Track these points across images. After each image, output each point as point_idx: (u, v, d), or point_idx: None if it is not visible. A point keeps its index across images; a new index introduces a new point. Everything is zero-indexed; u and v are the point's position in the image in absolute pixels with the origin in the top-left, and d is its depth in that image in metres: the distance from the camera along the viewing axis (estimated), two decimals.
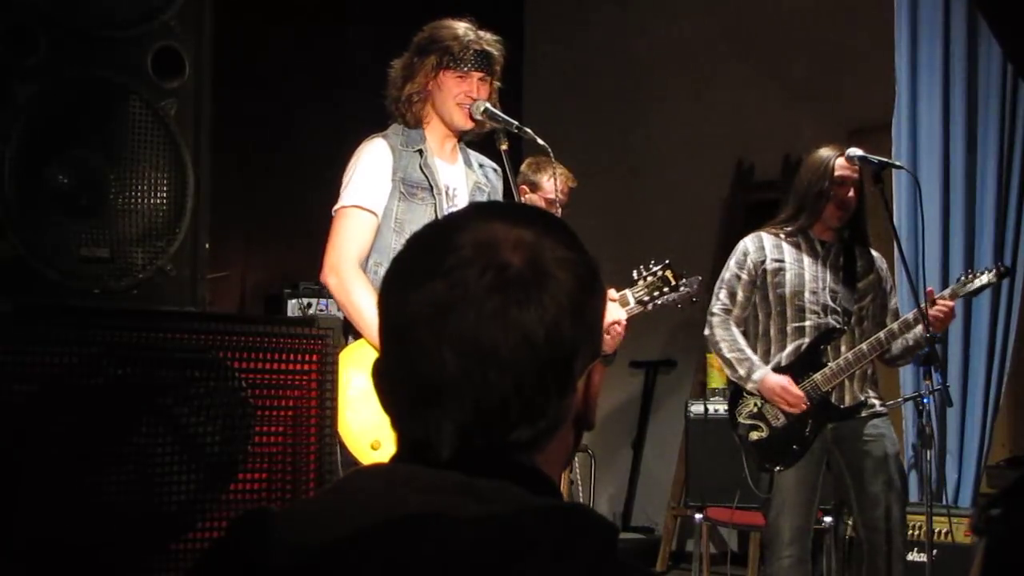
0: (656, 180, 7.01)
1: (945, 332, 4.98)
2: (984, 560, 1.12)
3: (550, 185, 4.81)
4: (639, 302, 3.54)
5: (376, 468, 1.12)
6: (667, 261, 3.60)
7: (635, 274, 3.58)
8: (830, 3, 6.36)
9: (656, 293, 3.57)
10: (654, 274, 3.57)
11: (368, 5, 6.38)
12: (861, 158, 4.11)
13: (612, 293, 3.46)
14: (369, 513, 1.01)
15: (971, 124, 5.08)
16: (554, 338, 1.05)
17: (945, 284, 4.60)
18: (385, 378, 1.11)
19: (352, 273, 3.16)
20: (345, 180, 3.28)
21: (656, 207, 6.92)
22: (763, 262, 4.12)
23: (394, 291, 1.10)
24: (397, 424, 1.11)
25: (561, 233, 1.11)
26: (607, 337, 3.36)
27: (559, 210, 4.78)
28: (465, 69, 3.26)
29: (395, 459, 1.11)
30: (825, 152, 4.15)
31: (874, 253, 4.26)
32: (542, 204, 4.79)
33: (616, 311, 3.40)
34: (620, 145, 7.18)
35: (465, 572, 0.97)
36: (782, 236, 4.14)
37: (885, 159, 4.31)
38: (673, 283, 3.58)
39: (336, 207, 3.25)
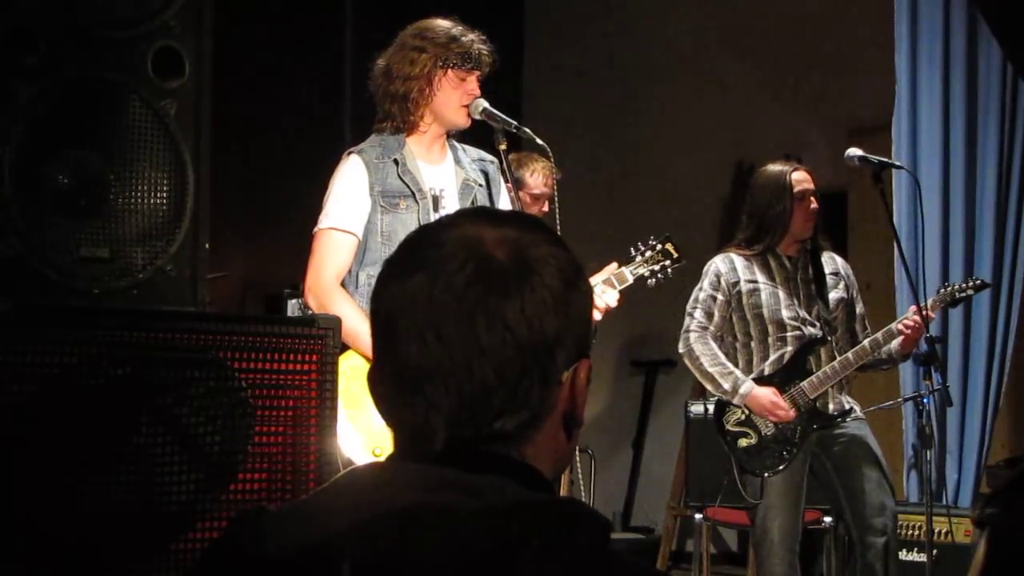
0: (656, 180, 6.99)
1: (945, 332, 4.99)
2: (987, 552, 1.12)
3: (533, 180, 4.69)
4: (639, 278, 3.52)
5: (371, 466, 1.14)
6: (667, 234, 3.58)
7: (632, 250, 3.55)
8: (830, 3, 6.36)
9: (658, 267, 3.54)
10: (653, 248, 3.55)
11: (369, 5, 6.38)
12: (861, 158, 4.11)
13: (613, 267, 3.45)
14: (363, 510, 1.02)
15: (971, 124, 5.07)
16: (536, 329, 1.08)
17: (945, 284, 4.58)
18: (377, 374, 1.14)
19: (329, 289, 3.20)
20: (324, 202, 3.28)
21: (656, 207, 6.90)
22: (737, 283, 4.13)
23: (383, 287, 1.13)
24: (390, 419, 1.13)
25: (546, 233, 1.15)
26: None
27: (546, 204, 4.77)
28: (469, 67, 3.25)
29: (390, 457, 1.13)
30: (777, 168, 4.15)
31: (837, 258, 4.27)
32: (527, 200, 4.67)
33: (608, 296, 3.36)
34: (620, 145, 7.17)
35: (459, 567, 0.98)
36: (751, 256, 4.15)
37: (885, 159, 4.31)
38: (675, 255, 3.56)
39: (314, 230, 3.27)
